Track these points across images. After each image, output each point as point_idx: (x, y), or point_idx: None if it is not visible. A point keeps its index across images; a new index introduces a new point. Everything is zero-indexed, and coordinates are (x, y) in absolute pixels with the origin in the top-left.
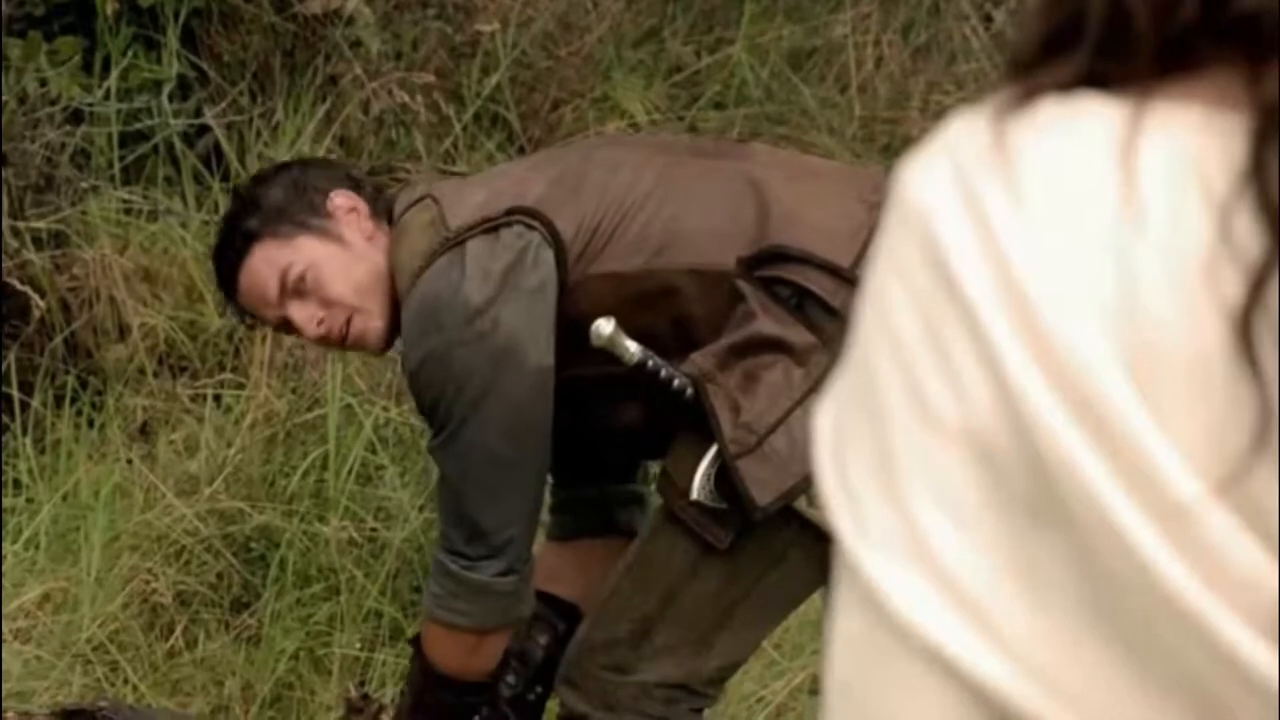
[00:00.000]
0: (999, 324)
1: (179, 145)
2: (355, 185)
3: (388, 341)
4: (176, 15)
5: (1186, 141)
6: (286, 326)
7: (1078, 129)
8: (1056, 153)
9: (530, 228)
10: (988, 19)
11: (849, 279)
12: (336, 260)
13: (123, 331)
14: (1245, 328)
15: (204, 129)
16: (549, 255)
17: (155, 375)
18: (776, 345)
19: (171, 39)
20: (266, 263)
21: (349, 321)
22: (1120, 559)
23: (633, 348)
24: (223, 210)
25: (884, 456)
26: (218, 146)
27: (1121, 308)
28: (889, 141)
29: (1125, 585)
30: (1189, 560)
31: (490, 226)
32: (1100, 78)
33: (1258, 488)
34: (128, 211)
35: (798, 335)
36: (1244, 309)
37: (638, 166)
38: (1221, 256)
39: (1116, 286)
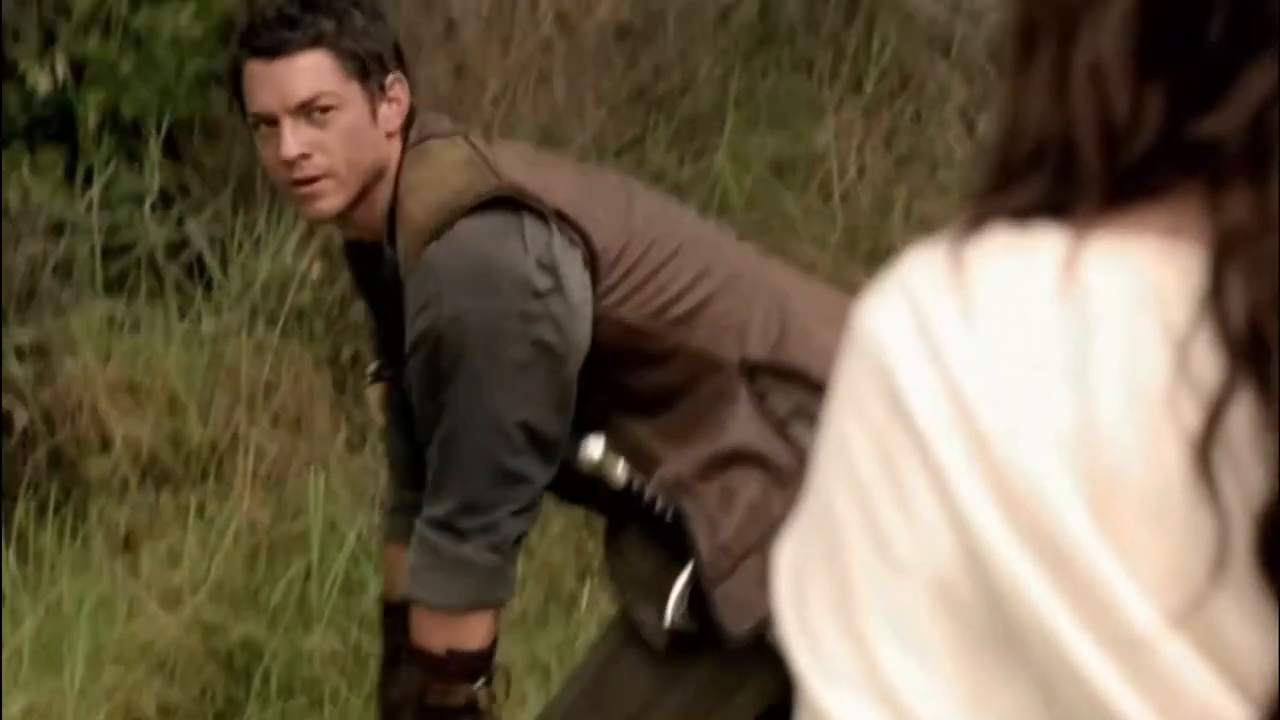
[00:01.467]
0: (955, 459)
1: (161, 257)
2: (411, 89)
3: (329, 218)
4: (159, 127)
5: (1145, 271)
6: (266, 124)
7: (1031, 256)
8: (1010, 281)
9: (574, 244)
10: (971, 126)
11: None
12: (359, 128)
13: (105, 443)
14: (1205, 457)
15: (186, 240)
16: (586, 277)
17: (138, 487)
18: (759, 461)
19: (154, 150)
20: (315, 73)
21: (322, 177)
22: (1078, 693)
23: (620, 471)
24: (206, 322)
25: (844, 595)
26: (200, 258)
27: (1080, 438)
28: (872, 249)
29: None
30: (1145, 693)
31: (540, 213)
32: (1058, 205)
33: (1216, 617)
34: (110, 323)
35: (782, 455)
36: (1203, 439)
37: (673, 221)
38: (1181, 386)
39: (1074, 417)
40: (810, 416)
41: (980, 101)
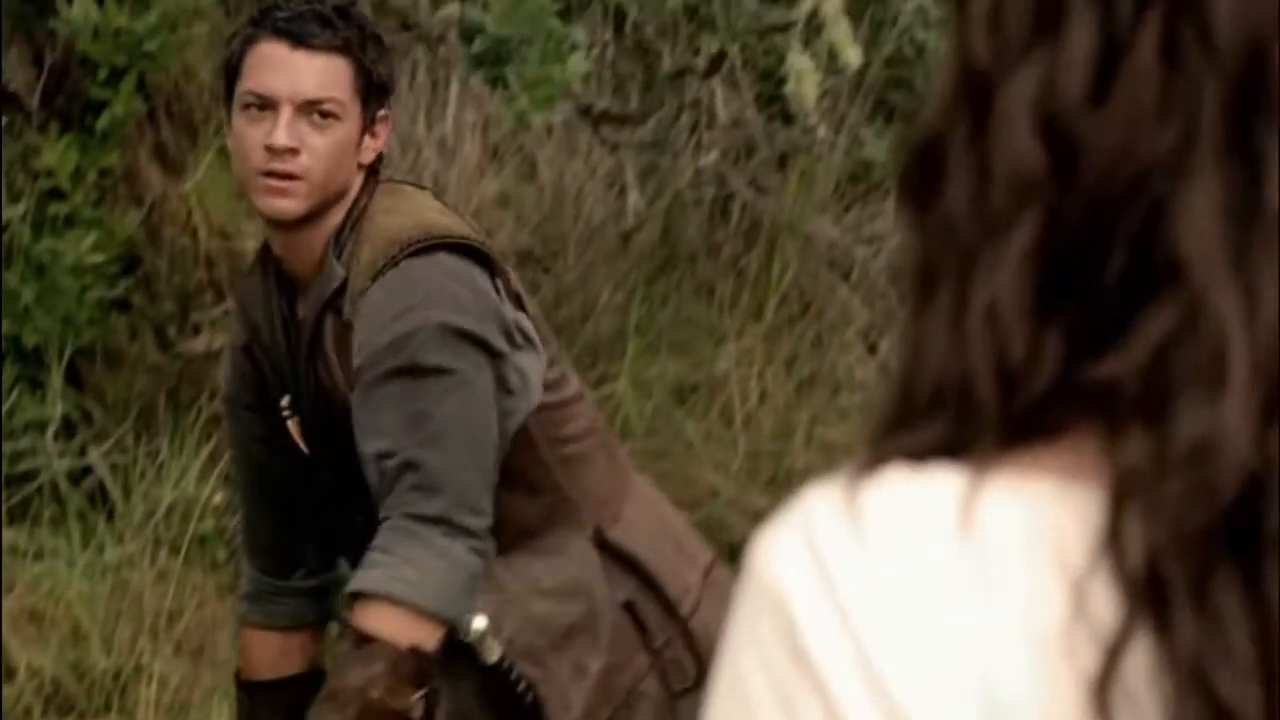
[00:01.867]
0: (853, 700)
1: (64, 485)
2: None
3: (278, 223)
4: (61, 355)
5: (1042, 511)
6: (259, 108)
7: (928, 495)
8: (907, 519)
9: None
10: (873, 349)
11: (671, 610)
12: (347, 146)
13: (9, 673)
14: (1102, 698)
15: (89, 468)
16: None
17: (42, 716)
18: (610, 635)
19: (56, 378)
20: (332, 76)
21: (298, 178)
22: None
23: (496, 650)
24: (109, 551)
25: None
26: (103, 486)
27: (976, 677)
28: (774, 475)
29: None
30: None
31: (507, 286)
32: (957, 446)
33: None
34: (13, 552)
35: (628, 632)
36: (1101, 680)
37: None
38: (1078, 627)
39: (971, 656)
40: (638, 614)
41: (882, 325)
